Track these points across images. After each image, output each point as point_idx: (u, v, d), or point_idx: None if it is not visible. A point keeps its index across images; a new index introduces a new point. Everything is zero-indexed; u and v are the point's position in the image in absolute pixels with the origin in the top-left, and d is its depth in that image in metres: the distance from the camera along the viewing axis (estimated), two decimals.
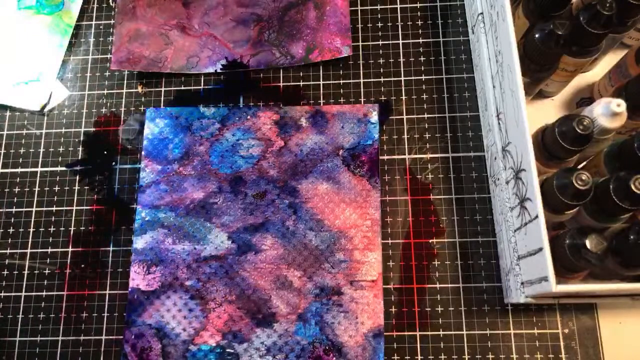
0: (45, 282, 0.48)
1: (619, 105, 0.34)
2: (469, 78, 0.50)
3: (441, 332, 0.43)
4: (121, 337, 0.45)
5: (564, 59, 0.41)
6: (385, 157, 0.48)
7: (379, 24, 0.53)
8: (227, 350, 0.44)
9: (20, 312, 0.47)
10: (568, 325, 0.43)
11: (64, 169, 0.51)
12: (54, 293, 0.47)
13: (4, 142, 0.52)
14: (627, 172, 0.33)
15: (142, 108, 0.52)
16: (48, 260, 0.48)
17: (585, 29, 0.37)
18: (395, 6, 0.53)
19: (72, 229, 0.49)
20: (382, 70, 0.51)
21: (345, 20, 0.52)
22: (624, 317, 0.43)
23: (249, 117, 0.51)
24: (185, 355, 0.44)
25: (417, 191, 0.47)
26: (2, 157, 0.52)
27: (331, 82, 0.51)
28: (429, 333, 0.44)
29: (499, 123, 0.42)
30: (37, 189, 0.50)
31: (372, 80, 0.51)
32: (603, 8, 0.36)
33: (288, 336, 0.44)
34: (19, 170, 0.51)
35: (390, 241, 0.46)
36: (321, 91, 0.51)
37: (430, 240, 0.46)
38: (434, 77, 0.51)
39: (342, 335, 0.44)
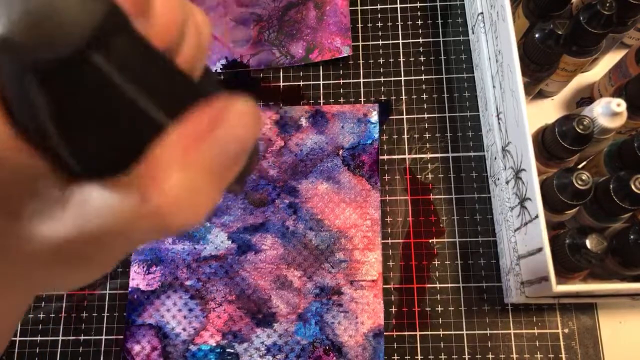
0: None
1: (619, 105, 0.34)
2: (469, 78, 0.50)
3: (441, 332, 0.43)
4: (121, 337, 0.45)
5: (564, 59, 0.41)
6: (385, 157, 0.48)
7: (379, 24, 0.53)
8: (227, 350, 0.44)
9: None
10: (568, 325, 0.43)
11: None
12: (54, 293, 0.47)
13: None
14: (627, 172, 0.33)
15: None
16: None
17: (585, 29, 0.37)
18: (395, 6, 0.53)
19: None
20: (382, 70, 0.51)
21: (345, 20, 0.52)
22: (624, 317, 0.43)
23: None
24: (185, 355, 0.44)
25: (417, 191, 0.47)
26: None
27: (331, 82, 0.51)
28: (429, 333, 0.44)
29: (499, 123, 0.42)
30: None
31: (372, 80, 0.51)
32: (603, 8, 0.36)
33: (288, 336, 0.44)
34: None
35: (390, 241, 0.46)
36: (321, 91, 0.51)
37: (430, 240, 0.46)
38: (434, 77, 0.51)
39: (342, 335, 0.44)
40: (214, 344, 0.44)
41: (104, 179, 0.13)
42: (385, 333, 0.44)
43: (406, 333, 0.44)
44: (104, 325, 0.46)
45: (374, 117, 0.49)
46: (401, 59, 0.51)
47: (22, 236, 0.13)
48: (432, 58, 0.51)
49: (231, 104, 0.13)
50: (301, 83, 0.52)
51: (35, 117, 0.12)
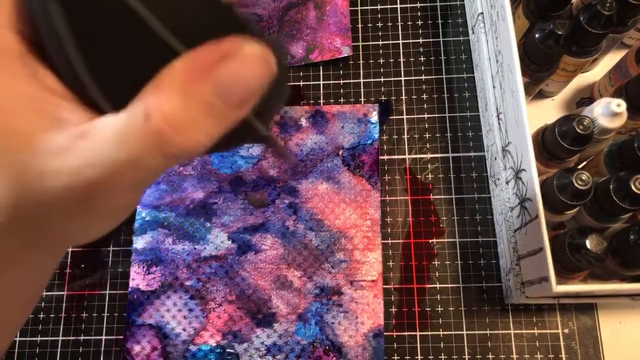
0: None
1: (619, 105, 0.34)
2: (469, 78, 0.50)
3: (441, 332, 0.43)
4: (121, 337, 0.45)
5: (564, 59, 0.41)
6: (385, 157, 0.48)
7: (379, 24, 0.53)
8: (227, 350, 0.44)
9: None
10: (568, 325, 0.43)
11: None
12: (54, 293, 0.47)
13: None
14: (627, 172, 0.33)
15: None
16: None
17: (585, 29, 0.37)
18: (395, 6, 0.53)
19: None
20: (382, 70, 0.51)
21: (345, 20, 0.52)
22: (624, 317, 0.43)
23: None
24: (185, 355, 0.44)
25: (417, 191, 0.47)
26: None
27: (331, 82, 0.51)
28: (429, 333, 0.44)
29: (499, 123, 0.42)
30: None
31: (372, 80, 0.51)
32: (603, 8, 0.36)
33: (288, 336, 0.44)
34: None
35: (390, 241, 0.46)
36: (321, 91, 0.51)
37: (430, 240, 0.46)
38: (434, 77, 0.51)
39: (342, 335, 0.44)
40: (214, 344, 0.44)
41: (120, 107, 0.13)
42: (385, 333, 0.44)
43: (406, 333, 0.44)
44: (104, 325, 0.46)
45: (374, 117, 0.49)
46: (401, 59, 0.51)
47: (40, 173, 0.13)
48: (432, 58, 0.51)
49: (241, 46, 0.14)
50: (301, 83, 0.52)
51: (60, 45, 0.13)
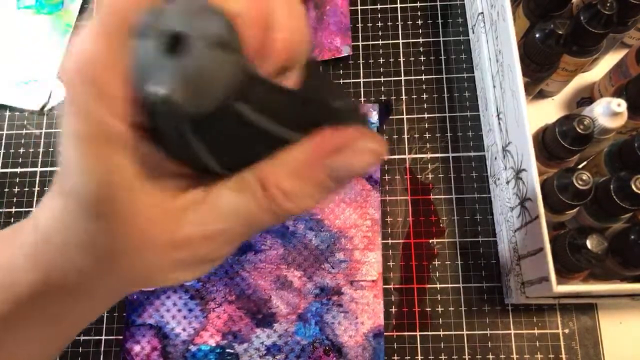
0: None
1: (620, 105, 0.34)
2: (469, 78, 0.50)
3: (441, 332, 0.43)
4: (121, 337, 0.45)
5: (564, 59, 0.41)
6: (385, 157, 0.48)
7: (379, 24, 0.53)
8: (227, 350, 0.44)
9: None
10: (568, 325, 0.43)
11: None
12: None
13: (3, 142, 0.52)
14: (628, 172, 0.33)
15: None
16: None
17: (585, 29, 0.37)
18: (395, 6, 0.53)
19: None
20: (382, 70, 0.51)
21: (345, 20, 0.52)
22: (624, 317, 0.43)
23: None
24: (185, 355, 0.44)
25: (417, 191, 0.47)
26: (2, 157, 0.52)
27: None
28: (429, 333, 0.44)
29: (499, 123, 0.42)
30: (37, 189, 0.50)
31: (372, 80, 0.51)
32: (603, 8, 0.36)
33: (288, 336, 0.44)
34: (19, 170, 0.51)
35: (390, 241, 0.46)
36: None
37: (430, 240, 0.46)
38: (434, 77, 0.51)
39: (342, 335, 0.44)
40: (214, 344, 0.44)
41: (234, 176, 0.16)
42: (385, 333, 0.44)
43: (406, 333, 0.44)
44: (104, 326, 0.46)
45: (374, 117, 0.49)
46: (401, 59, 0.51)
47: (171, 232, 0.16)
48: (432, 58, 0.51)
49: (363, 139, 0.16)
50: None
51: (188, 150, 0.15)
